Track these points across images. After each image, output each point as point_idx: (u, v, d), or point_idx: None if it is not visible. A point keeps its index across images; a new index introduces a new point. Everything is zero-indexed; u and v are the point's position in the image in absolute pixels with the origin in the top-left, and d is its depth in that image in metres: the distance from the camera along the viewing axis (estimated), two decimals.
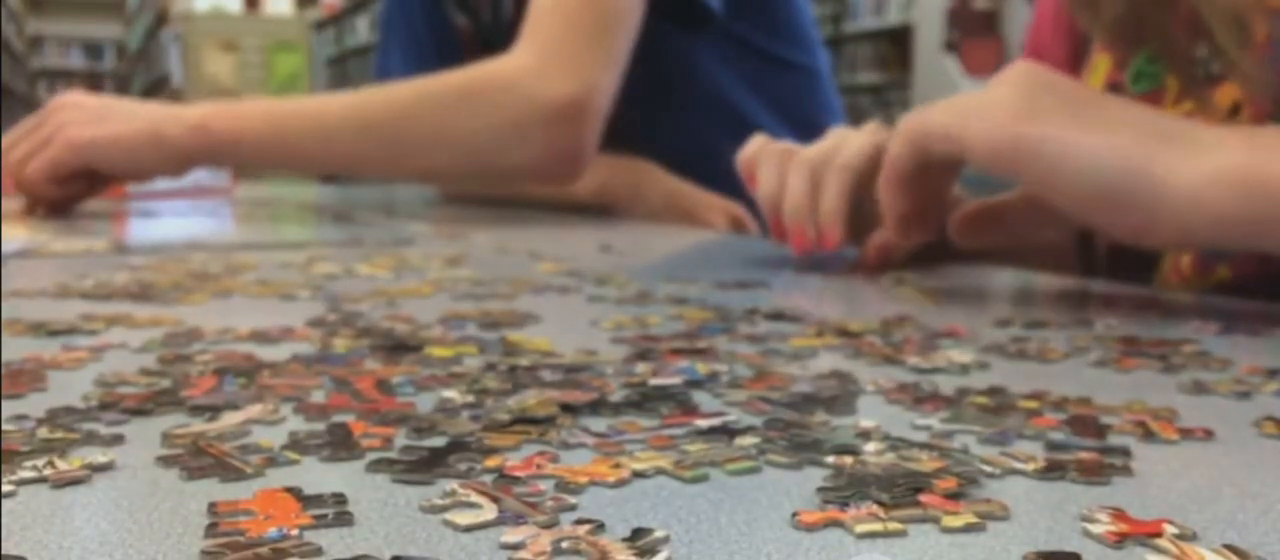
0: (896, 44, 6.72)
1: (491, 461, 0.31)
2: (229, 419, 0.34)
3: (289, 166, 1.13)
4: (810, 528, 0.26)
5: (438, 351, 0.45)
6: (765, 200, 0.73)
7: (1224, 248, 0.63)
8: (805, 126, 1.24)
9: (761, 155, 0.73)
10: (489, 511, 0.27)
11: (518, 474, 0.30)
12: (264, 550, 0.24)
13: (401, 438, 0.33)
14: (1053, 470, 0.31)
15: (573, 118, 1.03)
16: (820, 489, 0.29)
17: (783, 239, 0.72)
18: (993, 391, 0.39)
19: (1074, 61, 0.80)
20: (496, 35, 1.26)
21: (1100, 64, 0.75)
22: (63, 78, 15.04)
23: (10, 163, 1.06)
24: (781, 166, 0.71)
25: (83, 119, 1.04)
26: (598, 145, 1.07)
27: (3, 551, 0.24)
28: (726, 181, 1.18)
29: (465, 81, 1.05)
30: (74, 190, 1.09)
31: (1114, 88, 0.73)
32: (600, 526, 0.26)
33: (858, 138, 0.72)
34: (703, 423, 0.35)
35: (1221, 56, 0.63)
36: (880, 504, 0.27)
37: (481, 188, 1.28)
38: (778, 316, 0.54)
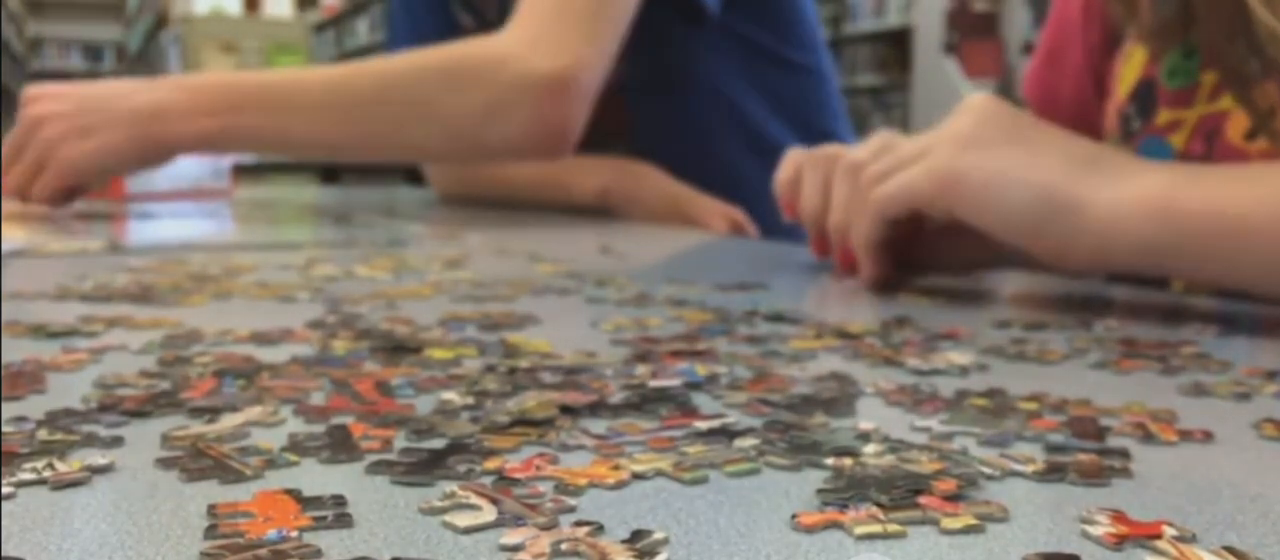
0: (896, 46, 6.72)
1: (491, 463, 0.31)
2: (228, 421, 0.34)
3: (275, 150, 1.14)
4: (810, 529, 0.26)
5: (437, 353, 0.45)
6: (806, 215, 0.71)
7: (1140, 273, 0.64)
8: (807, 128, 1.24)
9: (804, 166, 0.71)
10: (488, 513, 0.27)
11: (517, 476, 0.30)
12: (263, 552, 0.24)
13: (401, 439, 0.33)
14: (1052, 472, 0.31)
15: (557, 92, 1.02)
16: (820, 491, 0.29)
17: (824, 256, 0.71)
18: (992, 393, 0.39)
19: (1105, 49, 0.79)
20: None
21: (1135, 55, 0.74)
22: (62, 79, 15.01)
23: (10, 190, 1.07)
24: (826, 177, 0.69)
25: (69, 132, 1.05)
26: (584, 123, 1.06)
27: (2, 553, 0.24)
28: (727, 182, 1.18)
29: (450, 58, 1.05)
30: (77, 195, 1.10)
31: (1147, 82, 0.72)
32: (599, 528, 0.26)
33: (908, 151, 0.68)
34: (702, 424, 0.35)
35: (1260, 57, 0.63)
36: (880, 506, 0.27)
37: (469, 165, 1.28)
38: (777, 318, 0.54)
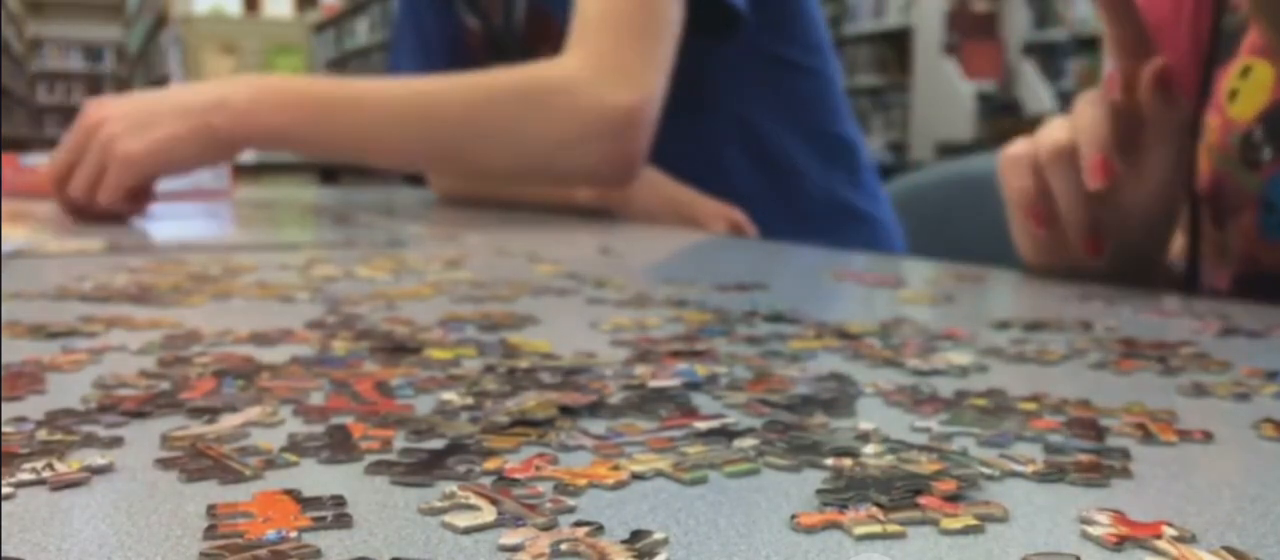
0: (896, 46, 6.72)
1: (490, 463, 0.31)
2: (228, 421, 0.34)
3: (337, 156, 1.12)
4: (809, 530, 0.26)
5: (437, 354, 0.45)
6: (1074, 215, 0.66)
7: None
8: (812, 131, 1.24)
9: (1045, 172, 0.66)
10: (488, 513, 0.27)
11: (517, 476, 0.30)
12: (263, 552, 0.24)
13: (400, 440, 0.33)
14: (1052, 472, 0.31)
15: (631, 125, 1.04)
16: (819, 491, 0.29)
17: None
18: (992, 393, 0.39)
19: (1196, 55, 0.74)
20: (507, 39, 1.26)
21: (1259, 72, 0.69)
22: (62, 80, 15.04)
23: (75, 196, 1.02)
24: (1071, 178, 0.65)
25: (125, 132, 1.01)
26: (648, 152, 1.08)
27: (2, 553, 0.24)
28: (728, 182, 1.18)
29: (524, 84, 1.06)
30: (145, 201, 1.07)
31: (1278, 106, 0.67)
32: (599, 528, 0.26)
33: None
34: (702, 425, 0.35)
35: None
36: (879, 506, 0.27)
37: (533, 188, 1.28)
38: (777, 318, 0.54)
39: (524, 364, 0.43)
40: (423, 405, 0.37)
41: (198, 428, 0.34)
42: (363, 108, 1.05)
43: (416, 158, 1.12)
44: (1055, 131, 0.65)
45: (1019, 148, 0.68)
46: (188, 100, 1.04)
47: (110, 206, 1.02)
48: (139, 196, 1.05)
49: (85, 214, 1.03)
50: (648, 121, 1.05)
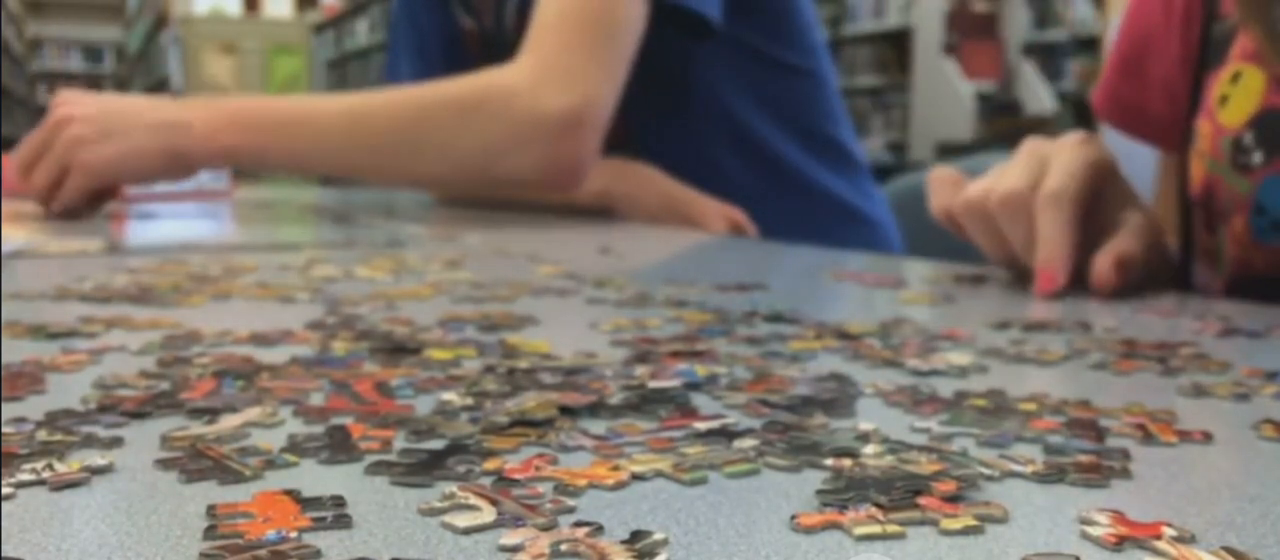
0: (896, 46, 6.72)
1: (490, 464, 0.31)
2: (228, 421, 0.34)
3: (291, 171, 1.17)
4: (809, 530, 0.26)
5: (437, 354, 0.45)
6: (993, 258, 0.69)
7: None
8: (806, 132, 1.24)
9: (963, 220, 0.68)
10: (488, 514, 0.27)
11: (516, 476, 0.30)
12: (263, 553, 0.24)
13: (400, 440, 0.33)
14: (1051, 473, 0.31)
15: (571, 130, 1.04)
16: (819, 491, 0.29)
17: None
18: (991, 394, 0.39)
19: (1187, 61, 0.75)
20: (499, 40, 1.26)
21: (1249, 76, 0.68)
22: (62, 80, 15.03)
23: (36, 193, 1.09)
24: (985, 217, 0.67)
25: (91, 137, 1.07)
26: (597, 155, 1.08)
27: (2, 553, 0.24)
28: (723, 185, 1.18)
29: (466, 93, 1.07)
30: (106, 201, 1.14)
31: (1273, 113, 0.67)
32: (599, 529, 0.26)
33: (1063, 154, 0.66)
34: (702, 425, 0.35)
35: None
36: (879, 506, 0.27)
37: (483, 194, 1.29)
38: (777, 318, 0.54)
39: (524, 364, 0.43)
40: (423, 405, 0.37)
41: (198, 428, 0.34)
42: (310, 125, 1.10)
43: (363, 170, 1.16)
44: (1009, 178, 0.66)
45: (948, 173, 0.71)
46: (155, 116, 1.10)
47: (69, 205, 1.08)
48: (100, 197, 1.11)
49: (46, 204, 1.09)
50: (591, 124, 1.05)
